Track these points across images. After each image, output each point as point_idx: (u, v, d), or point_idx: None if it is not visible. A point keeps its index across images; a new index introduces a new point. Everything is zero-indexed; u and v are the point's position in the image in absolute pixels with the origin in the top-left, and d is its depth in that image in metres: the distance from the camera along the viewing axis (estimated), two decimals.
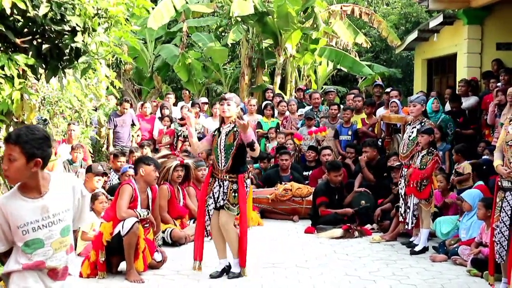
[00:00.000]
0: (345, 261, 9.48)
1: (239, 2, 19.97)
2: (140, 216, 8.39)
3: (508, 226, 7.09)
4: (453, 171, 11.58)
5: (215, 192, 8.47)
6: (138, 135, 15.74)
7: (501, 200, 7.16)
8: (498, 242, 7.20)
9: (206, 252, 8.76)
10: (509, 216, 7.06)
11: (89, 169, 10.98)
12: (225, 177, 8.42)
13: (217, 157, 8.48)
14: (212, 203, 8.51)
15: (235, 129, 8.42)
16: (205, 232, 8.63)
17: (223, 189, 8.42)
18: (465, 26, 16.73)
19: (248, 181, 8.59)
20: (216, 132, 8.61)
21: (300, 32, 20.69)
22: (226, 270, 8.58)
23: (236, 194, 8.38)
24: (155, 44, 23.99)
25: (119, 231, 8.23)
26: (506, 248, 7.14)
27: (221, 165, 8.42)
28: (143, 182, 8.49)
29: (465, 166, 11.36)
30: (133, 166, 11.05)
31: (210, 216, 8.54)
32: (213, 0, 22.87)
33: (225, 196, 8.40)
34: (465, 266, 8.84)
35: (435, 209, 10.40)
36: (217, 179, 8.50)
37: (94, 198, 10.24)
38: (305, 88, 19.42)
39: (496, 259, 7.32)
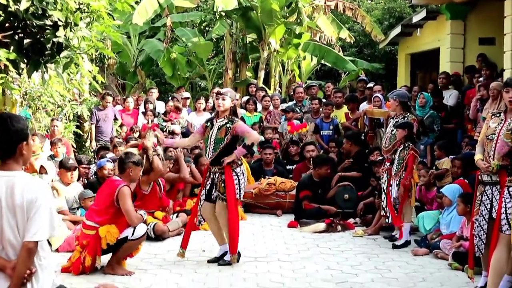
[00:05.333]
0: (327, 255, 9.51)
1: None
2: (144, 219, 8.41)
3: (487, 219, 7.14)
4: (434, 167, 11.65)
5: (207, 184, 8.81)
6: (124, 131, 15.61)
7: (480, 193, 7.21)
8: (477, 236, 7.25)
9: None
10: (488, 209, 7.11)
11: (61, 164, 10.93)
12: (215, 169, 8.70)
13: (206, 148, 8.75)
14: (203, 194, 8.83)
15: (228, 124, 8.66)
16: (197, 220, 8.98)
17: (215, 181, 8.71)
18: (448, 21, 16.83)
19: (239, 169, 8.75)
20: (209, 123, 8.84)
21: (284, 27, 20.71)
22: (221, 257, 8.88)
23: (224, 184, 8.65)
24: (139, 39, 23.91)
25: (127, 236, 8.17)
26: (484, 242, 7.20)
27: (208, 156, 8.71)
28: (129, 180, 8.46)
29: (444, 162, 11.45)
30: (110, 160, 11.06)
31: (200, 205, 8.86)
32: None
33: (216, 187, 8.70)
34: (447, 259, 8.89)
35: (416, 203, 10.46)
36: (211, 172, 8.80)
37: (82, 196, 10.53)
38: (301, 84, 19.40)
39: (475, 253, 7.39)
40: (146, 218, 8.55)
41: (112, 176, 8.70)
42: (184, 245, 8.92)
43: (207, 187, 8.81)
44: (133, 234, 8.19)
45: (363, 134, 13.75)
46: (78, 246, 8.26)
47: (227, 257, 8.78)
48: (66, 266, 8.28)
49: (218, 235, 9.01)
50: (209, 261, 8.83)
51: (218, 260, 8.81)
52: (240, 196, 8.79)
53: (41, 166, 11.28)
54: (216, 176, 8.71)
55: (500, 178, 6.94)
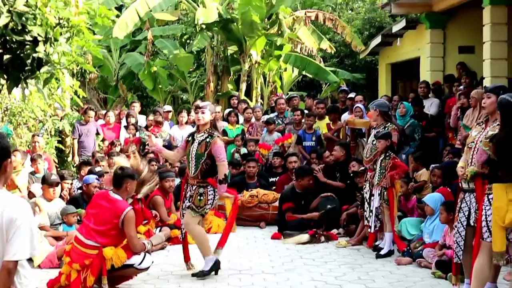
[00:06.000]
0: (311, 266, 9.51)
1: (204, 9, 20.04)
2: (146, 248, 8.30)
3: (465, 226, 7.21)
4: (412, 179, 11.67)
5: (187, 197, 8.86)
6: (106, 145, 15.55)
7: (460, 201, 7.29)
8: (456, 242, 7.33)
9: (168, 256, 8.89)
10: (466, 216, 7.19)
11: (43, 180, 10.87)
12: (194, 182, 8.79)
13: (189, 163, 8.83)
14: (184, 207, 8.91)
15: (207, 139, 8.73)
16: (181, 234, 9.10)
17: (191, 192, 8.77)
18: (428, 30, 16.94)
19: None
20: (190, 138, 8.93)
21: (265, 38, 20.76)
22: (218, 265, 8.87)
23: (202, 198, 8.72)
24: (120, 53, 23.87)
25: (133, 263, 8.10)
26: (462, 248, 7.27)
27: (192, 172, 8.78)
28: (125, 195, 8.37)
29: (422, 173, 11.52)
30: (97, 177, 10.98)
31: (183, 218, 8.96)
32: (178, 7, 22.88)
33: (190, 199, 8.75)
34: (430, 268, 8.91)
35: (398, 213, 10.51)
36: (188, 184, 8.89)
37: (64, 212, 10.45)
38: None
39: (453, 259, 7.45)
40: (149, 248, 8.37)
41: (108, 191, 8.46)
42: (186, 258, 9.14)
43: (187, 199, 8.85)
44: (140, 263, 8.12)
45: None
46: (77, 264, 7.98)
47: (204, 268, 8.73)
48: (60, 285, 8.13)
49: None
50: (193, 275, 8.76)
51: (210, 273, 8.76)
52: (209, 208, 8.97)
53: (30, 192, 11.24)
54: (193, 189, 8.76)
55: (475, 185, 7.00)
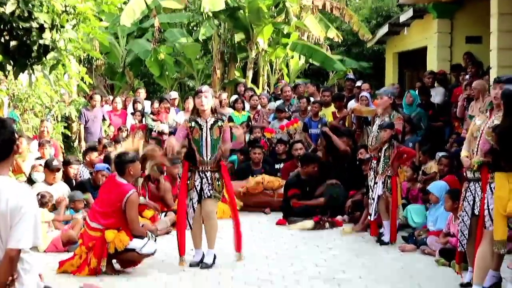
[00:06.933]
0: (315, 252, 9.58)
1: None
2: (149, 239, 8.37)
3: (469, 215, 7.24)
4: (421, 171, 11.66)
5: (197, 185, 8.59)
6: (112, 131, 15.60)
7: (465, 190, 7.32)
8: (460, 231, 7.36)
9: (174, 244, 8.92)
10: (471, 205, 7.21)
11: (45, 165, 10.94)
12: (207, 168, 8.59)
13: (200, 150, 8.59)
14: (195, 196, 8.62)
15: (219, 123, 8.65)
16: (188, 225, 8.71)
17: (207, 180, 8.58)
18: (435, 20, 16.86)
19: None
20: (194, 124, 8.66)
21: (272, 26, 20.78)
22: (201, 260, 8.71)
23: (219, 182, 8.64)
24: (127, 39, 23.88)
25: (135, 248, 8.16)
26: (466, 237, 7.29)
27: (207, 158, 8.59)
28: (131, 178, 8.47)
29: (431, 166, 11.53)
30: (108, 167, 10.99)
31: (194, 208, 8.64)
32: None
33: (210, 186, 8.57)
34: (434, 256, 8.96)
35: (403, 201, 10.54)
36: (197, 172, 8.62)
37: (72, 198, 10.51)
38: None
39: (457, 247, 7.48)
40: (150, 237, 8.43)
41: (115, 175, 8.54)
42: (181, 251, 8.74)
43: (198, 188, 8.59)
44: (141, 249, 8.19)
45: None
46: (83, 246, 8.23)
47: (208, 260, 8.66)
48: (73, 267, 8.26)
49: (198, 238, 8.82)
50: (191, 265, 8.65)
51: (199, 264, 8.65)
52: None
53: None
54: (208, 175, 8.59)
55: (481, 175, 7.03)
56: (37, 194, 9.79)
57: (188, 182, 8.64)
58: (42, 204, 9.73)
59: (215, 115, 8.75)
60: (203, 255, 8.76)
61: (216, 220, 8.78)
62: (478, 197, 7.12)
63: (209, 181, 8.58)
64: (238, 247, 8.89)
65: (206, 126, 8.61)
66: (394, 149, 9.96)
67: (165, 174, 11.85)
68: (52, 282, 7.27)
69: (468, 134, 7.51)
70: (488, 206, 6.82)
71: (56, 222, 10.02)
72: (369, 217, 10.42)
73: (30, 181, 10.98)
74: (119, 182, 8.35)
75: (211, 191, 8.58)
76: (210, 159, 8.59)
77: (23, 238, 4.04)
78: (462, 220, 7.33)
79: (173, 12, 23.69)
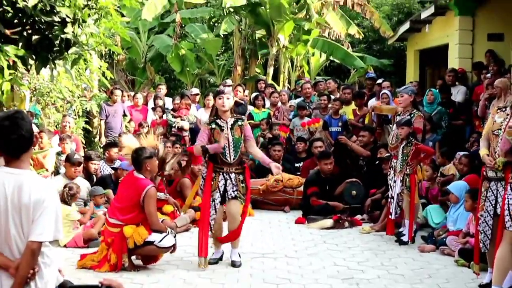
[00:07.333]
0: (334, 251, 9.55)
1: None
2: (168, 234, 8.37)
3: (492, 215, 7.17)
4: (439, 173, 11.59)
5: (221, 186, 8.55)
6: (133, 127, 15.60)
7: (486, 189, 7.25)
8: (482, 231, 7.29)
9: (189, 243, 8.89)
10: (493, 205, 7.14)
11: (66, 159, 10.96)
12: (231, 170, 8.57)
13: (223, 151, 8.52)
14: (218, 197, 8.57)
15: (239, 122, 8.65)
16: (210, 226, 8.62)
17: (231, 181, 8.57)
18: (457, 17, 16.78)
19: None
20: (215, 125, 8.61)
21: (293, 23, 20.71)
22: (221, 257, 8.81)
23: (244, 185, 8.65)
24: (148, 35, 23.96)
25: (154, 241, 8.19)
26: (489, 237, 7.23)
27: (231, 159, 8.55)
28: (148, 174, 8.51)
29: (450, 167, 11.46)
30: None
31: (216, 210, 8.60)
32: None
33: (235, 188, 8.56)
34: (453, 256, 8.92)
35: (422, 200, 10.48)
36: (221, 173, 8.57)
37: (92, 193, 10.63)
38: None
39: (480, 248, 7.41)
40: (169, 232, 8.42)
41: (133, 171, 8.59)
42: (204, 253, 8.53)
43: (222, 189, 8.56)
44: (160, 242, 8.21)
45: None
46: (103, 243, 8.34)
47: (236, 258, 8.71)
48: (93, 262, 8.34)
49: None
50: (209, 263, 8.61)
51: (217, 262, 8.72)
52: None
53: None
54: (232, 177, 8.57)
55: (505, 174, 6.96)
56: (65, 186, 9.87)
57: (212, 182, 8.58)
58: (70, 196, 9.79)
59: (235, 115, 8.74)
60: (223, 252, 8.82)
61: (242, 223, 8.73)
62: (500, 197, 7.04)
63: (233, 182, 8.56)
64: (227, 240, 8.82)
65: (227, 127, 8.60)
66: (412, 147, 9.91)
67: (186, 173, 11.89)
68: (71, 276, 7.26)
69: (486, 130, 7.45)
70: (508, 206, 6.74)
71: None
72: (390, 216, 10.36)
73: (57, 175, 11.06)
74: (137, 177, 8.43)
75: (235, 192, 8.56)
76: (233, 159, 8.56)
77: (44, 232, 4.09)
78: (484, 220, 7.26)
79: (195, 7, 23.73)
